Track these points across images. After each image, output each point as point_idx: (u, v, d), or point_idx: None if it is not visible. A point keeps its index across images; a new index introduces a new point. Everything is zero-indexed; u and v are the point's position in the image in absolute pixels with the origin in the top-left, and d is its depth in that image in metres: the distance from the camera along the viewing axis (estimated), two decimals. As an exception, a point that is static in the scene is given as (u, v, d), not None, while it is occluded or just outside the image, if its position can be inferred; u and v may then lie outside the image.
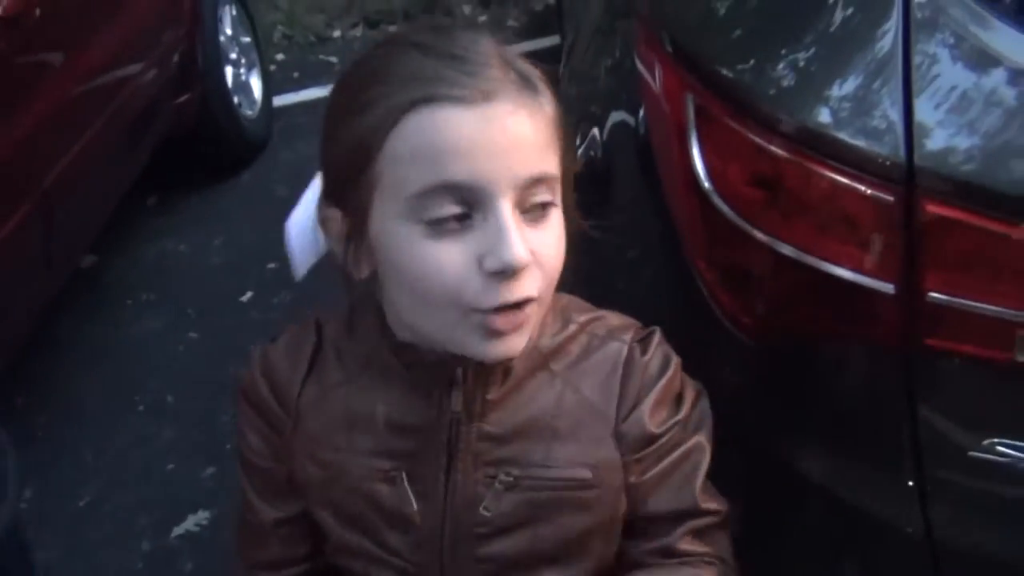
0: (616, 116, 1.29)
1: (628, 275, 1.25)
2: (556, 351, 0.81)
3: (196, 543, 1.94)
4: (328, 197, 0.76)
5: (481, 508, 0.80)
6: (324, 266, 0.86)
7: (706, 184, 0.98)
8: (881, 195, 0.87)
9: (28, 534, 1.94)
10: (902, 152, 0.85)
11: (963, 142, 0.86)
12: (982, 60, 0.87)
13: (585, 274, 1.33)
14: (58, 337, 2.49)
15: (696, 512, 0.84)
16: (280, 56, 4.21)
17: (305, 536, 0.90)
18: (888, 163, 0.86)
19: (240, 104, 3.23)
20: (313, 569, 0.91)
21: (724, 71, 0.99)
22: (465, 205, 0.69)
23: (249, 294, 2.60)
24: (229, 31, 3.25)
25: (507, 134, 0.68)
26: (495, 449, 0.80)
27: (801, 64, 0.94)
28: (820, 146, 0.89)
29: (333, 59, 4.17)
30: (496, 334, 0.71)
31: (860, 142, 0.87)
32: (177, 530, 1.97)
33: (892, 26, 0.88)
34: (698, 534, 0.84)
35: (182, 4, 2.88)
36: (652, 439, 0.82)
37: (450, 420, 0.79)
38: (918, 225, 0.86)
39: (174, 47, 2.83)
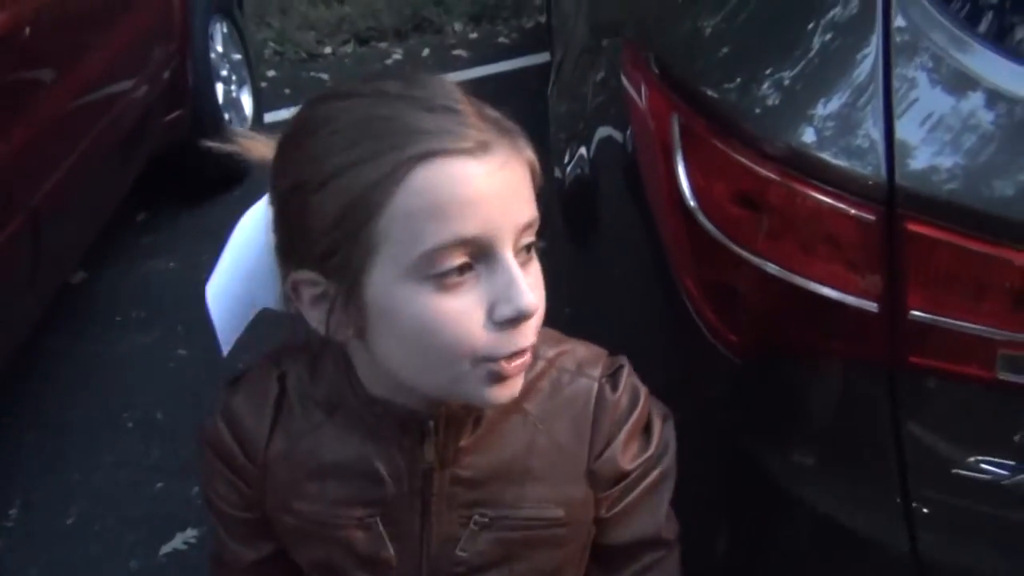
0: (602, 132, 1.30)
1: (615, 292, 1.25)
2: (527, 391, 0.79)
3: (184, 561, 1.93)
4: (301, 263, 0.71)
5: (457, 549, 0.80)
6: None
7: (691, 203, 0.99)
8: (863, 214, 0.88)
9: (14, 552, 1.95)
10: (883, 172, 0.87)
11: (944, 162, 0.87)
12: (962, 82, 0.88)
13: (572, 291, 1.34)
14: (46, 354, 2.48)
15: (657, 543, 0.86)
16: (271, 73, 4.22)
17: (284, 573, 0.89)
18: (870, 182, 0.87)
19: (231, 121, 3.23)
20: None
21: (709, 91, 1.00)
22: (471, 257, 0.68)
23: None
24: (220, 48, 3.26)
25: (507, 183, 0.69)
26: (469, 492, 0.80)
27: (784, 85, 0.96)
28: (803, 166, 0.90)
29: (324, 76, 4.19)
30: (502, 379, 0.71)
31: (842, 162, 0.88)
32: (165, 548, 1.95)
33: (872, 49, 0.89)
34: (655, 564, 0.86)
35: (172, 21, 2.89)
36: (624, 476, 0.82)
37: (423, 469, 0.78)
38: (900, 244, 0.87)
39: (164, 64, 2.83)
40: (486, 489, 0.80)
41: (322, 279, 0.71)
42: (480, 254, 0.68)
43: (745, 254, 0.94)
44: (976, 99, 0.88)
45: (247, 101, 3.44)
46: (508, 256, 0.68)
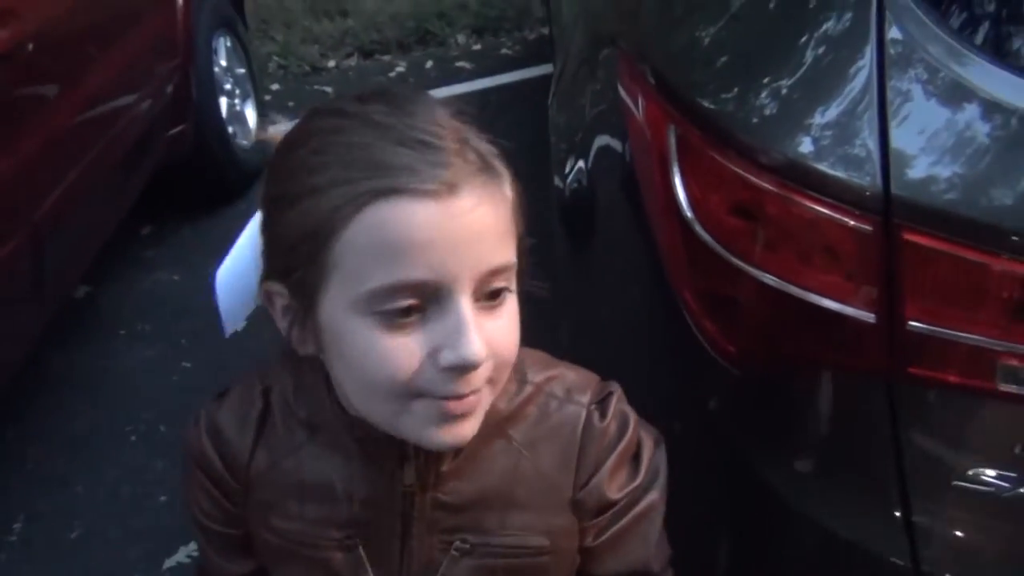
0: (600, 143, 1.30)
1: (613, 302, 1.25)
2: (513, 416, 0.78)
3: (187, 575, 1.93)
4: (273, 272, 0.72)
5: (438, 574, 0.79)
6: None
7: (688, 213, 0.99)
8: (860, 225, 0.88)
9: (17, 566, 1.95)
10: (879, 182, 0.86)
11: (941, 172, 0.87)
12: (958, 93, 0.88)
13: (570, 302, 1.34)
14: (50, 367, 2.48)
15: (647, 574, 0.84)
16: (275, 86, 4.24)
17: None
18: (866, 193, 0.87)
19: (235, 134, 3.24)
20: None
21: (705, 103, 1.00)
22: (422, 298, 0.66)
23: (243, 323, 2.60)
24: (224, 62, 3.28)
25: (470, 228, 0.66)
26: (451, 517, 0.79)
27: (780, 96, 0.96)
28: (799, 176, 0.90)
29: (328, 89, 4.20)
30: (448, 418, 0.68)
31: (838, 172, 0.88)
32: (169, 562, 1.95)
33: (867, 61, 0.89)
34: None
35: (175, 36, 2.91)
36: (610, 505, 0.80)
37: (403, 492, 0.78)
38: (897, 254, 0.87)
39: (168, 79, 2.85)
40: (468, 515, 0.78)
41: (286, 292, 0.71)
42: (432, 297, 0.66)
43: (742, 265, 0.94)
44: (973, 110, 0.88)
45: (251, 115, 3.45)
46: (461, 303, 0.66)
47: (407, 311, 0.66)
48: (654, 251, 1.07)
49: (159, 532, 2.01)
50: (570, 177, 1.41)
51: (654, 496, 0.82)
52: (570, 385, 0.81)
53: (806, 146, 0.91)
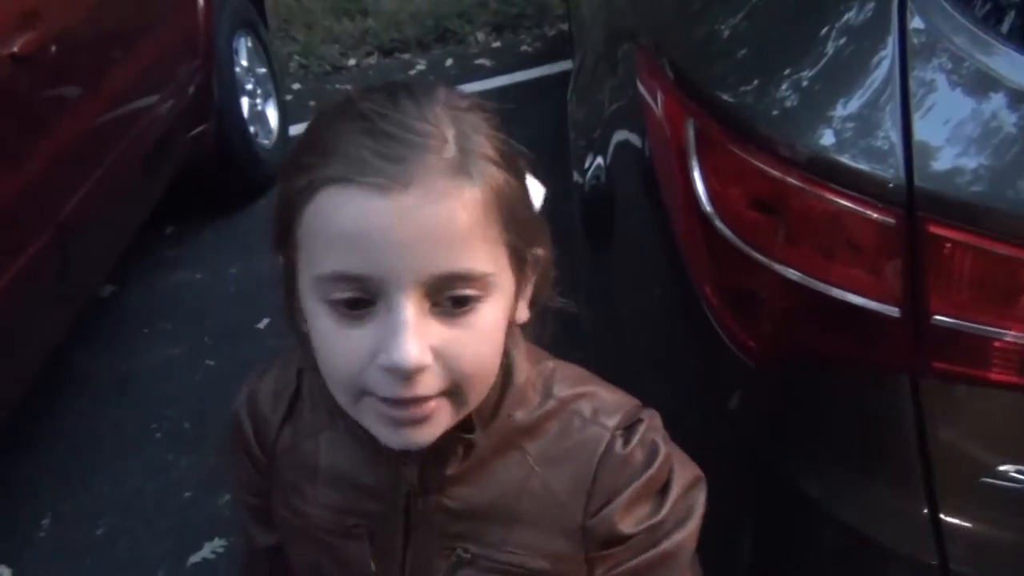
0: (619, 138, 1.29)
1: (633, 297, 1.24)
2: (531, 429, 0.75)
3: (212, 571, 1.94)
4: (274, 244, 0.72)
5: None
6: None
7: (708, 208, 0.98)
8: (883, 217, 0.86)
9: (45, 563, 1.97)
10: (903, 174, 0.85)
11: (966, 163, 0.86)
12: (983, 83, 0.87)
13: (590, 297, 1.34)
14: (76, 366, 2.51)
15: None
16: (296, 86, 4.26)
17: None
18: (889, 185, 0.86)
19: (256, 134, 3.26)
20: None
21: (725, 96, 0.99)
22: (368, 293, 0.64)
23: (265, 321, 2.61)
24: (245, 62, 3.29)
25: (415, 228, 0.62)
26: (454, 523, 0.77)
27: (801, 88, 0.95)
28: (821, 169, 0.89)
29: (348, 88, 4.20)
30: (396, 423, 0.66)
31: (861, 165, 0.87)
32: (193, 558, 1.97)
33: (889, 51, 0.88)
34: None
35: (197, 37, 2.93)
36: (621, 540, 0.74)
37: (407, 490, 0.77)
38: (921, 247, 0.86)
39: (190, 79, 2.87)
40: (472, 523, 0.76)
41: (282, 266, 0.72)
42: (379, 293, 0.64)
43: (762, 259, 0.93)
44: (999, 100, 0.86)
45: (272, 114, 3.47)
46: (402, 303, 0.63)
47: (355, 303, 0.64)
48: (674, 246, 1.06)
49: (184, 529, 2.03)
50: (589, 173, 1.41)
51: (681, 536, 0.75)
52: (599, 406, 0.76)
53: (828, 138, 0.90)
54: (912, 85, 0.86)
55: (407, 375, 0.64)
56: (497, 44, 4.49)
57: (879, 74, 0.88)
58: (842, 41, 0.93)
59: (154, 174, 2.68)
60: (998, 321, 0.85)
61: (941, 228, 0.85)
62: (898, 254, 0.87)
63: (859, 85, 0.89)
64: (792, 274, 0.92)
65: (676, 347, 1.15)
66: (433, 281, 0.64)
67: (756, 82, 0.98)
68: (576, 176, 1.47)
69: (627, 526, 0.74)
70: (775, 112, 0.94)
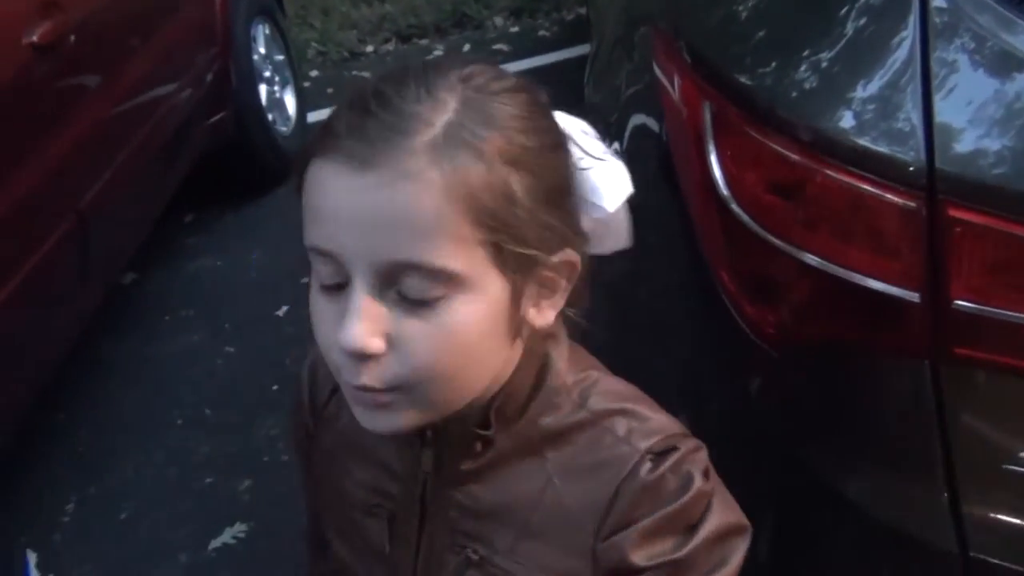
0: (636, 122, 1.28)
1: (650, 283, 1.24)
2: (557, 437, 0.71)
3: (233, 556, 1.96)
4: None
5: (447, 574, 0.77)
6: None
7: (725, 191, 0.97)
8: (903, 201, 0.85)
9: (70, 547, 2.00)
10: (923, 157, 0.84)
11: (988, 145, 0.84)
12: (1007, 63, 0.85)
13: (607, 283, 1.33)
14: (99, 353, 2.54)
15: None
16: (314, 72, 4.26)
17: None
18: (910, 168, 0.84)
19: (275, 121, 3.27)
20: None
21: (742, 78, 0.98)
22: (341, 273, 0.63)
23: (285, 308, 2.63)
24: (263, 50, 3.30)
25: (370, 209, 0.61)
26: (466, 521, 0.75)
27: (820, 70, 0.93)
28: (840, 152, 0.88)
29: (366, 74, 4.21)
30: (362, 405, 0.67)
31: (881, 147, 0.86)
32: (214, 543, 1.99)
33: (910, 31, 0.86)
34: None
35: (214, 25, 2.93)
36: (632, 572, 0.67)
37: (423, 478, 0.76)
38: (942, 231, 0.84)
39: (208, 67, 2.88)
40: (482, 524, 0.74)
41: None
42: (347, 273, 0.63)
43: (780, 244, 0.92)
44: (1023, 80, 0.84)
45: (290, 101, 3.48)
46: (356, 285, 0.62)
47: (332, 278, 0.64)
48: (691, 231, 1.05)
49: (205, 514, 2.05)
50: (606, 158, 1.40)
51: None
52: (636, 426, 0.71)
53: (847, 121, 0.88)
54: (934, 66, 0.85)
55: (352, 356, 0.63)
56: (515, 29, 4.48)
57: (900, 55, 0.87)
58: (862, 21, 0.92)
59: (173, 162, 2.70)
60: (1020, 306, 0.84)
61: (962, 211, 0.83)
62: (918, 238, 0.86)
63: (879, 66, 0.88)
64: (810, 259, 0.91)
65: (693, 334, 1.14)
66: (387, 267, 0.62)
67: (774, 64, 0.96)
68: (593, 161, 1.46)
69: (639, 558, 0.67)
70: (793, 94, 0.93)
